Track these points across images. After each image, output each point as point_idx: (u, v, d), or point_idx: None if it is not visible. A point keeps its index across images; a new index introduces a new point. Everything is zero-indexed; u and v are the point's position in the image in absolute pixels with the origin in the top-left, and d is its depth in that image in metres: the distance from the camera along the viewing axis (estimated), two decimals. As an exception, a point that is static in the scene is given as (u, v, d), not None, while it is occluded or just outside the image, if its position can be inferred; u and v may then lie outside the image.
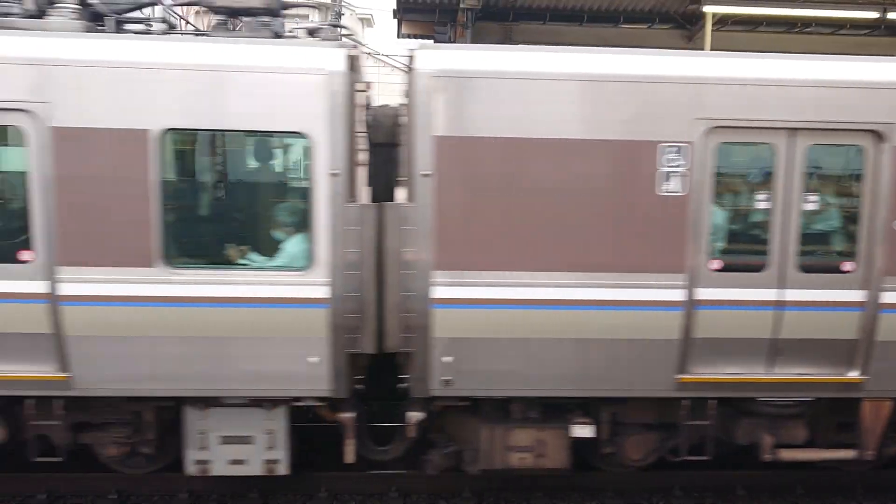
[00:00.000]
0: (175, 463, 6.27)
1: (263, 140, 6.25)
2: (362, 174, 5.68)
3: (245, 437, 5.95)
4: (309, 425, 6.68)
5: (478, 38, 14.19)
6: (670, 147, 5.54)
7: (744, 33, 15.13)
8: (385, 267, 5.63)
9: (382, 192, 5.84)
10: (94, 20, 5.92)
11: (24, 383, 5.60)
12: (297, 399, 5.89)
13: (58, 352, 5.50)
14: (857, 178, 5.84)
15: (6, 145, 5.79)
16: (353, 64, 5.54)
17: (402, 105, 6.16)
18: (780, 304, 5.77)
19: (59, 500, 6.57)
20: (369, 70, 11.44)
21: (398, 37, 16.37)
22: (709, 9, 13.01)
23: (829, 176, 6.15)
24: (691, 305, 5.70)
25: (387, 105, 6.67)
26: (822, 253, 6.12)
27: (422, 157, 5.44)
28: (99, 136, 5.30)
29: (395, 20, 15.74)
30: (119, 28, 5.96)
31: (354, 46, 5.73)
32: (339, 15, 29.28)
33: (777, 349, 5.85)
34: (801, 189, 5.73)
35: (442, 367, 5.67)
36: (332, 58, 5.42)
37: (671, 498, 6.87)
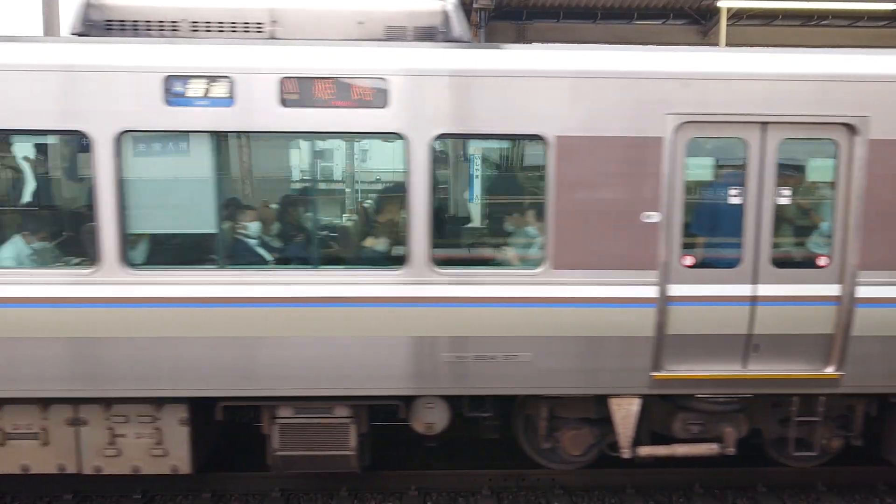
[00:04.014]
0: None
1: None
2: None
3: None
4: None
5: (491, 38, 14.20)
6: None
7: (759, 27, 15.04)
8: None
9: None
10: None
11: (798, 382, 5.95)
12: None
13: (838, 352, 5.82)
14: None
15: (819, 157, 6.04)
16: None
17: None
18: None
19: (85, 501, 6.69)
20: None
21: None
22: (723, 3, 12.94)
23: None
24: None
25: None
26: None
27: None
28: None
29: (409, 21, 15.77)
30: None
31: None
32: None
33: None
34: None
35: None
36: None
37: (692, 495, 6.85)
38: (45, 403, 5.98)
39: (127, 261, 5.52)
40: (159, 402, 5.99)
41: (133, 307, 5.53)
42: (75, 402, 5.97)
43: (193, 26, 5.66)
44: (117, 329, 5.57)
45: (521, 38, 14.99)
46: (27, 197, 6.15)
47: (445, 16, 5.78)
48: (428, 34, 5.76)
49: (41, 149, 6.18)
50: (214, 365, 5.67)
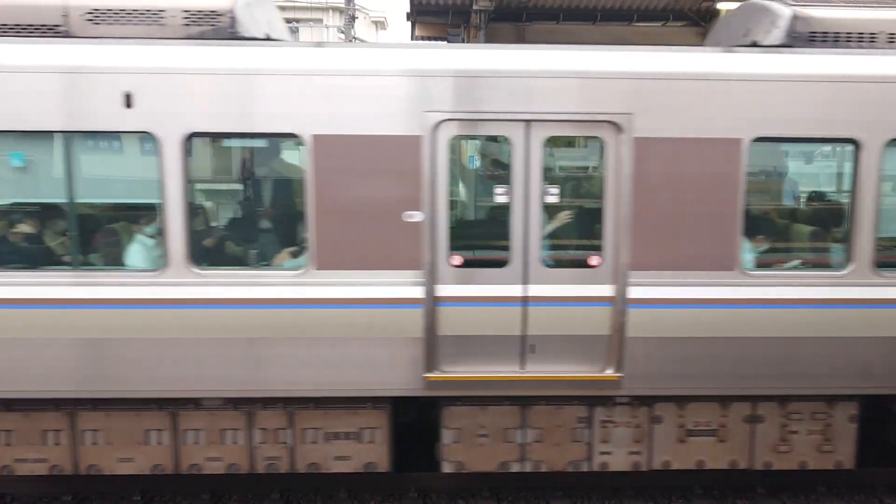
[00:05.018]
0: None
1: None
2: None
3: None
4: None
5: (491, 39, 14.21)
6: None
7: (760, 29, 15.04)
8: None
9: None
10: None
11: None
12: None
13: None
14: None
15: None
16: None
17: None
18: None
19: (85, 501, 6.68)
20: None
21: (412, 39, 16.43)
22: (723, 5, 12.95)
23: None
24: None
25: None
26: None
27: None
28: None
29: (409, 23, 15.80)
30: None
31: None
32: (353, 18, 29.41)
33: None
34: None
35: None
36: None
37: (691, 497, 6.85)
38: (725, 401, 6.26)
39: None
40: (831, 400, 6.27)
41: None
42: (753, 399, 6.27)
43: (890, 38, 5.95)
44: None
45: (521, 39, 14.99)
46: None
47: None
48: None
49: None
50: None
